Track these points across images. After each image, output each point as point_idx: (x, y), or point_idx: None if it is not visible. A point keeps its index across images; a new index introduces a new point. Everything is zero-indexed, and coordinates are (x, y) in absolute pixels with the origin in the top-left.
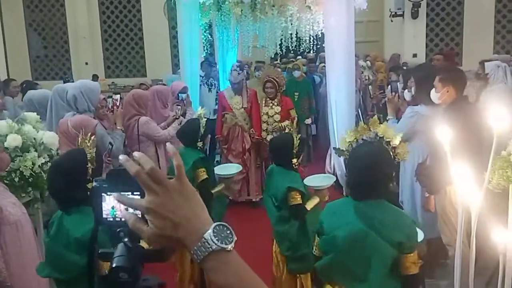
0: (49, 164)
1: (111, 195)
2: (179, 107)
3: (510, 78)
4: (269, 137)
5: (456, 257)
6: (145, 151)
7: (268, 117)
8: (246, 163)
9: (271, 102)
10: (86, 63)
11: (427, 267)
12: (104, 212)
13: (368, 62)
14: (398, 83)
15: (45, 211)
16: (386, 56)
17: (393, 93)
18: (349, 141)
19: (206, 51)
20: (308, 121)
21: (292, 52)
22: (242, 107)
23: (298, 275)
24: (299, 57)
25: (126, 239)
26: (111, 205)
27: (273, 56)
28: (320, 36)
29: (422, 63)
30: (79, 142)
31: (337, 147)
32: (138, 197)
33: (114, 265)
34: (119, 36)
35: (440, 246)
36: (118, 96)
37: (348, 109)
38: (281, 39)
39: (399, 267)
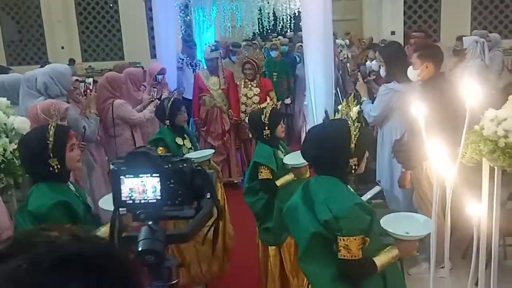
0: None
1: (129, 177)
2: (155, 89)
3: (487, 55)
4: (247, 119)
5: (432, 231)
6: (121, 134)
7: (247, 99)
8: (226, 144)
9: (250, 84)
10: (62, 47)
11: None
12: (123, 195)
13: (346, 40)
14: (374, 60)
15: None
16: (365, 33)
17: (364, 78)
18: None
19: (183, 31)
20: (288, 100)
21: (269, 31)
22: (219, 88)
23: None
24: (280, 36)
25: (150, 222)
26: (130, 187)
27: (251, 36)
28: (297, 14)
29: (389, 41)
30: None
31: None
32: (157, 179)
33: (140, 249)
34: (94, 19)
35: None
36: (91, 80)
37: (326, 88)
38: (259, 18)
39: (334, 248)
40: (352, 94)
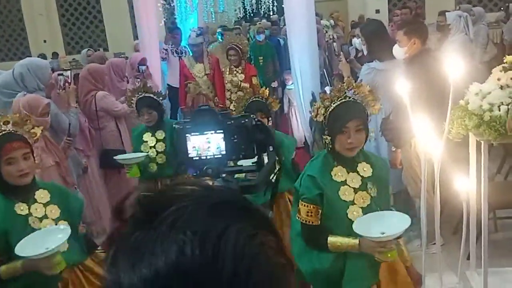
0: None
1: (195, 135)
2: (139, 79)
3: (471, 29)
4: (233, 106)
5: (422, 207)
6: (106, 126)
7: (232, 86)
8: None
9: (235, 70)
10: (45, 41)
11: None
12: (189, 153)
13: (331, 21)
14: (358, 39)
15: None
16: (350, 13)
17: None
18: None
19: (165, 19)
20: (275, 84)
21: (253, 15)
22: (204, 74)
23: None
24: (264, 20)
25: (224, 175)
26: (195, 145)
27: (235, 21)
28: None
29: (370, 19)
30: (31, 123)
31: (303, 109)
32: (221, 135)
33: None
34: (76, 11)
35: (407, 199)
36: (69, 73)
37: (312, 70)
38: (242, 2)
39: None
40: (337, 74)
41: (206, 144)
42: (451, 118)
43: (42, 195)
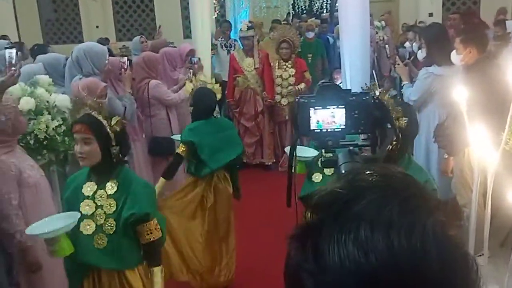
0: (62, 127)
1: (318, 109)
2: (191, 70)
3: None
4: (283, 101)
5: (472, 217)
6: (157, 114)
7: (283, 80)
8: (259, 126)
9: (285, 65)
10: (97, 27)
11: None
12: (311, 125)
13: (382, 22)
14: (414, 42)
15: (61, 173)
16: (401, 15)
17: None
18: None
19: (217, 12)
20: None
21: (305, 12)
22: (253, 69)
23: None
24: (313, 17)
25: (351, 147)
26: (318, 118)
27: (285, 17)
28: None
29: (432, 23)
30: (88, 104)
31: None
32: (343, 110)
33: (343, 171)
34: None
35: (455, 207)
36: (125, 59)
37: (363, 69)
38: None
39: None
40: (389, 76)
41: (330, 118)
42: (509, 128)
43: (112, 185)
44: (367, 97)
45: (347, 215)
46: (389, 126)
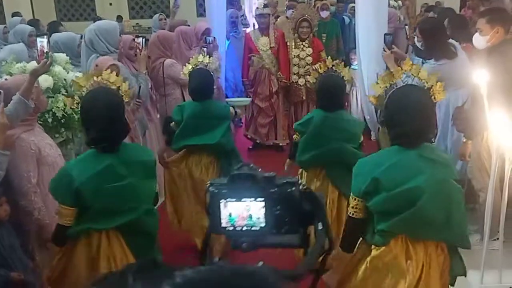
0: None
1: (231, 201)
2: (206, 49)
3: None
4: (300, 81)
5: (488, 201)
6: (171, 93)
7: (300, 60)
8: (274, 106)
9: (302, 44)
10: (110, 4)
11: None
12: (222, 221)
13: (399, 2)
14: None
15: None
16: None
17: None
18: (384, 86)
19: None
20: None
21: None
22: (269, 48)
23: None
24: None
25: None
26: (231, 212)
27: None
28: None
29: (427, 16)
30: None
31: (366, 90)
32: (262, 203)
33: None
34: None
35: (470, 191)
36: (140, 39)
37: (378, 52)
38: None
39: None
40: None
41: (245, 212)
42: None
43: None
44: (293, 188)
45: None
46: (320, 227)
